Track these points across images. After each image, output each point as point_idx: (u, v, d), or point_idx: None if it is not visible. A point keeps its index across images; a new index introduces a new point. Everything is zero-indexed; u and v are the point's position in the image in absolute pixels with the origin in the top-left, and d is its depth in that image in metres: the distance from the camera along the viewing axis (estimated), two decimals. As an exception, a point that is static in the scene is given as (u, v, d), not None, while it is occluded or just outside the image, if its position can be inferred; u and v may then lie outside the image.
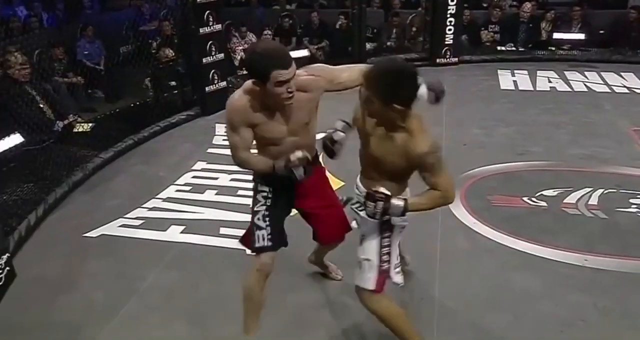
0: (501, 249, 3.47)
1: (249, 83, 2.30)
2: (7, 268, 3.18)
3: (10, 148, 4.22)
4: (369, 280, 2.29)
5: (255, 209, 2.55)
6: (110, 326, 2.89)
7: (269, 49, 2.19)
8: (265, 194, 2.53)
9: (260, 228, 2.51)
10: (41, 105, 4.90)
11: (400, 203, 2.10)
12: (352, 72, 2.45)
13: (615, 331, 2.77)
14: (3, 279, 3.13)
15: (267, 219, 2.51)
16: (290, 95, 2.19)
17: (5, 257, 3.17)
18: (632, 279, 3.15)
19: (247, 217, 3.78)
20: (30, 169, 4.26)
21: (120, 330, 2.86)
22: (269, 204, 2.53)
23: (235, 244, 3.48)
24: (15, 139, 4.32)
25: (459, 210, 3.92)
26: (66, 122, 4.95)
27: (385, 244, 2.31)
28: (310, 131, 2.50)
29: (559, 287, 3.10)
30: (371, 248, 2.32)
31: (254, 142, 2.43)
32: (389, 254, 2.32)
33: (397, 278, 2.37)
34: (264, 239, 2.49)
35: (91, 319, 2.94)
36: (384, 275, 2.31)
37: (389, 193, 2.11)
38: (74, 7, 7.93)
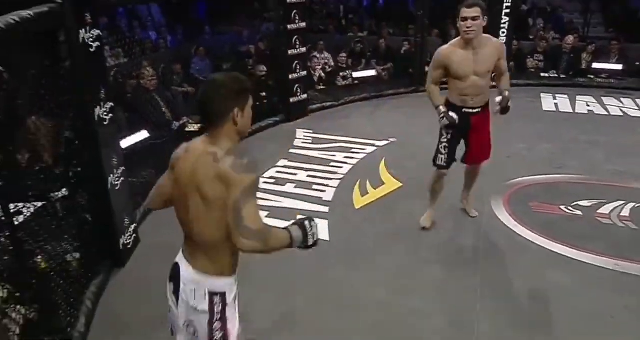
0: (538, 250, 3.33)
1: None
2: (134, 235, 3.37)
3: (139, 141, 4.48)
4: None
5: (441, 139, 3.30)
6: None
7: None
8: (448, 130, 3.25)
9: (441, 153, 3.31)
10: (163, 109, 5.14)
11: None
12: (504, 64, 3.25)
13: (638, 329, 2.60)
14: (131, 243, 3.32)
15: (445, 148, 3.29)
16: (469, 29, 2.93)
17: (133, 226, 3.36)
18: (659, 285, 2.95)
19: (320, 208, 3.86)
20: (153, 158, 4.42)
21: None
22: (449, 138, 3.26)
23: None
24: (143, 134, 4.57)
25: (501, 213, 3.79)
26: (181, 122, 5.16)
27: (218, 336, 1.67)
28: (488, 79, 3.15)
29: (589, 286, 2.94)
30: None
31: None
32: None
33: None
34: (442, 161, 3.32)
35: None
36: None
37: None
38: (191, 31, 8.24)
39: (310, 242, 1.65)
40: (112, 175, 3.10)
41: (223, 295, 1.66)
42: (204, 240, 1.65)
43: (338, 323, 2.59)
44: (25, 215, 2.59)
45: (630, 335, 2.55)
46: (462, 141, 3.34)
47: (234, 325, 1.69)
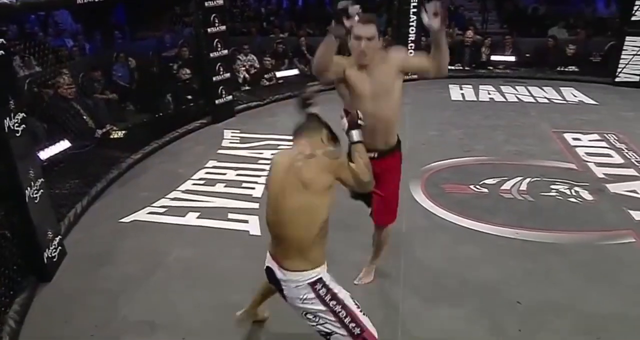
0: (452, 226, 3.50)
1: None
2: (59, 247, 3.15)
3: (60, 151, 4.20)
4: None
5: None
6: (141, 292, 2.88)
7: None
8: None
9: None
10: (84, 117, 4.85)
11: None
12: (420, 58, 2.41)
13: (537, 287, 2.82)
14: (57, 256, 3.10)
15: None
16: (362, 54, 2.23)
17: (57, 238, 3.14)
18: (551, 247, 3.21)
19: (250, 205, 3.82)
20: (76, 168, 4.21)
21: (150, 295, 2.86)
22: None
23: (240, 226, 3.54)
24: (64, 144, 4.29)
25: (419, 196, 3.94)
26: (104, 130, 4.91)
27: (339, 311, 1.83)
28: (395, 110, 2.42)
29: (495, 255, 3.14)
30: (333, 324, 1.83)
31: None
32: (350, 315, 1.83)
33: (371, 324, 1.88)
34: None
35: (127, 286, 2.92)
36: (362, 335, 1.83)
37: None
38: (109, 37, 7.81)
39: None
40: (29, 188, 2.87)
41: (321, 280, 1.84)
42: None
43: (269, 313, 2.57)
44: None
45: (532, 293, 2.76)
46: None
47: (344, 295, 1.86)
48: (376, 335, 1.87)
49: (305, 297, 1.83)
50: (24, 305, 2.72)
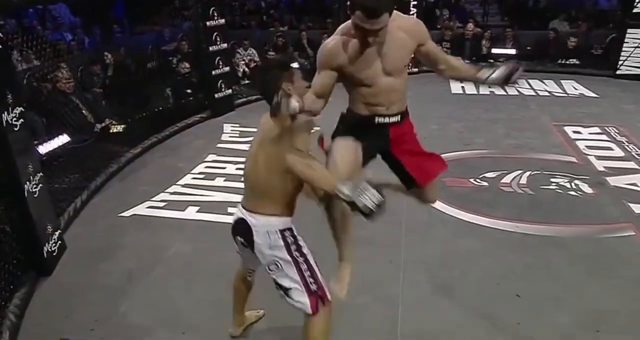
0: (452, 220, 3.49)
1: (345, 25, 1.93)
2: (59, 242, 3.15)
3: (59, 146, 4.18)
4: (305, 305, 1.89)
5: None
6: (141, 287, 2.88)
7: None
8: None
9: None
10: (84, 111, 4.83)
11: None
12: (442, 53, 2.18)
13: (537, 280, 2.81)
14: (56, 251, 3.10)
15: None
16: (371, 40, 1.85)
17: (57, 233, 3.14)
18: (551, 241, 3.20)
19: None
20: (76, 163, 4.20)
21: (150, 290, 2.86)
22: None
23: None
24: (63, 138, 4.27)
25: (418, 189, 3.93)
26: (103, 124, 4.89)
27: (301, 262, 1.89)
28: (405, 78, 2.10)
29: (495, 249, 3.13)
30: (291, 275, 1.89)
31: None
32: (310, 270, 1.90)
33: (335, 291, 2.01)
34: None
35: (126, 281, 2.92)
36: (316, 295, 1.89)
37: None
38: (108, 32, 7.77)
39: (360, 204, 1.73)
40: (28, 183, 2.86)
41: (291, 229, 1.91)
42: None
43: (268, 309, 2.56)
44: None
45: (532, 286, 2.75)
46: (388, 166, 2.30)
47: (308, 251, 1.92)
48: (329, 297, 1.94)
49: (274, 243, 1.88)
50: (24, 299, 2.72)
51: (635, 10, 6.84)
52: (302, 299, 1.89)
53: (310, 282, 1.89)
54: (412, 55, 2.06)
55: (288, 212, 1.93)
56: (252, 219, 1.91)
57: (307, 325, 1.94)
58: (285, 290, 1.92)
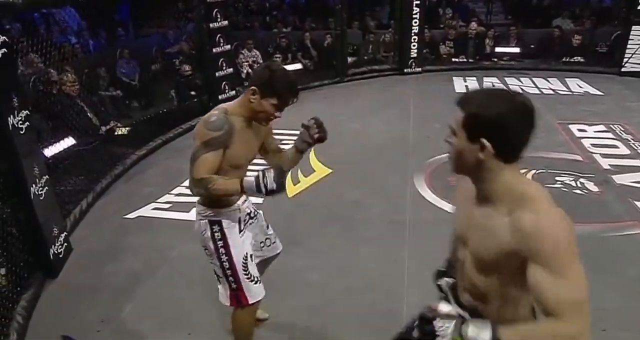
0: (456, 219, 3.48)
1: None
2: (65, 244, 3.16)
3: (65, 149, 4.20)
4: (223, 297, 1.99)
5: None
6: (147, 287, 2.90)
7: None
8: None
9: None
10: (89, 114, 4.84)
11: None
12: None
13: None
14: (63, 252, 3.12)
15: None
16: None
17: (63, 235, 3.16)
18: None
19: (253, 199, 3.79)
20: (81, 165, 4.22)
21: (155, 290, 2.87)
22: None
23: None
24: (69, 141, 4.29)
25: (423, 189, 3.92)
26: (108, 127, 4.90)
27: (224, 260, 1.91)
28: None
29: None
30: (216, 266, 1.97)
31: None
32: (232, 269, 1.91)
33: (255, 291, 1.95)
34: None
35: (132, 281, 2.94)
36: (236, 292, 1.93)
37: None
38: (114, 34, 7.82)
39: (263, 190, 1.69)
40: (34, 185, 2.88)
41: (220, 222, 1.90)
42: None
43: (272, 309, 2.56)
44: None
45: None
46: None
47: (238, 251, 1.92)
48: (249, 302, 1.94)
49: (204, 233, 1.93)
50: (32, 300, 2.74)
51: (640, 7, 6.81)
52: (223, 290, 1.98)
53: (231, 281, 1.93)
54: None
55: (217, 203, 1.90)
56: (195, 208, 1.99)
57: (232, 315, 2.03)
58: (219, 278, 1.98)
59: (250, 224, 2.07)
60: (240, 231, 1.98)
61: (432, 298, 2.65)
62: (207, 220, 1.92)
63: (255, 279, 1.97)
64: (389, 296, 2.71)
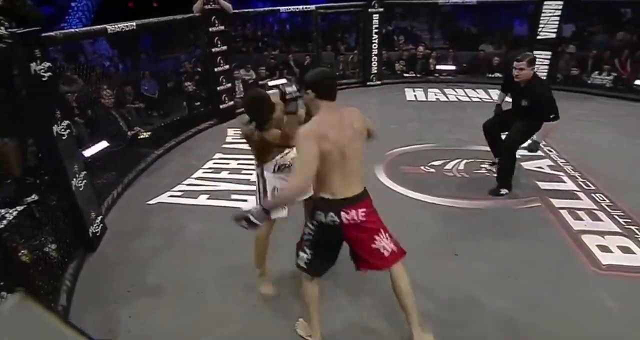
0: (408, 199, 3.54)
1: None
2: (101, 225, 3.16)
3: (100, 150, 4.15)
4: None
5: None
6: (165, 258, 2.92)
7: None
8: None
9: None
10: (119, 122, 4.78)
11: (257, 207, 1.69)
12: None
13: (468, 241, 2.91)
14: (99, 231, 3.12)
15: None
16: None
17: (99, 218, 3.15)
18: (479, 212, 3.30)
19: (249, 187, 3.83)
20: (113, 163, 4.16)
21: (172, 260, 2.90)
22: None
23: (241, 204, 3.53)
24: (103, 144, 4.24)
25: (382, 176, 3.97)
26: (134, 132, 4.84)
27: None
28: None
29: (439, 219, 3.21)
30: None
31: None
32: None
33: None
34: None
35: (154, 254, 2.96)
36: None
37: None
38: (137, 59, 7.68)
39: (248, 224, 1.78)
40: (75, 179, 2.87)
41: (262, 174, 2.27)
42: None
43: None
44: (8, 220, 2.34)
45: (465, 246, 2.86)
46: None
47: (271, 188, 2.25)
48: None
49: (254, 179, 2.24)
50: (76, 269, 2.75)
51: (538, 37, 7.00)
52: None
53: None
54: None
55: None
56: None
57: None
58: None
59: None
60: None
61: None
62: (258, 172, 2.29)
63: None
64: (349, 261, 2.75)
